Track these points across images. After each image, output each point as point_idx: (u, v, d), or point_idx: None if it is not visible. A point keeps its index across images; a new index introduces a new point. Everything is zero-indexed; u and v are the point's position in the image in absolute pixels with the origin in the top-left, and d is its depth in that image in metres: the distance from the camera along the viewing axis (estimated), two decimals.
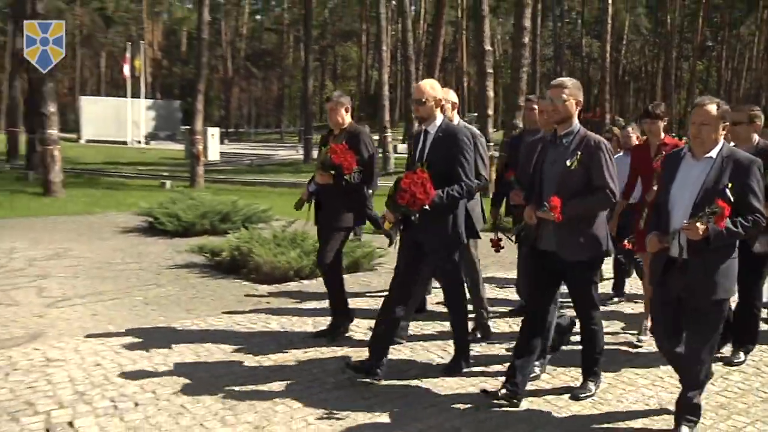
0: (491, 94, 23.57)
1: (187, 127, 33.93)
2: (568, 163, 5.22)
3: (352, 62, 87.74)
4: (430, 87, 5.97)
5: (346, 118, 6.99)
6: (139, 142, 53.13)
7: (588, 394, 5.59)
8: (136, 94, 53.12)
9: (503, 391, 5.32)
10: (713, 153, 4.63)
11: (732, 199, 4.41)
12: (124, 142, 51.89)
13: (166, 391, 5.65)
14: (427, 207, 5.63)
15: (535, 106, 7.05)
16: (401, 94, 55.06)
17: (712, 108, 4.60)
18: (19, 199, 19.57)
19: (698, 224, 4.33)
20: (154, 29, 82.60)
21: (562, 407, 5.47)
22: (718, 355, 6.23)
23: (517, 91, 21.65)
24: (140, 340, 6.94)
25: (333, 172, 6.73)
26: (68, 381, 5.81)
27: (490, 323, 7.39)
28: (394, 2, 54.16)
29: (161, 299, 8.62)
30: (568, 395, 5.63)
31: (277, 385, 5.79)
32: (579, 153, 5.20)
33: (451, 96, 6.87)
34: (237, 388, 5.72)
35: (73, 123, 61.71)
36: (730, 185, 4.48)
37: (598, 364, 5.66)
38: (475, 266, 7.20)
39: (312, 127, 40.14)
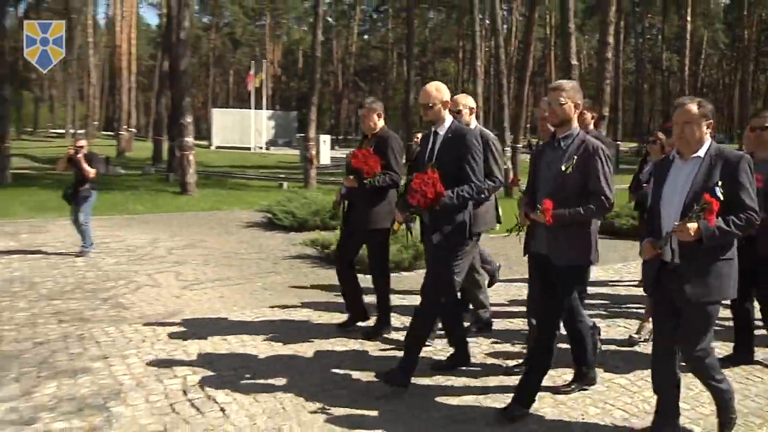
0: None
1: (302, 134, 34.49)
2: (563, 167, 4.66)
3: (449, 76, 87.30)
4: (436, 90, 5.49)
5: (378, 123, 6.58)
6: (261, 148, 54.20)
7: (570, 389, 5.24)
8: (258, 106, 54.28)
9: (512, 410, 4.79)
10: (701, 152, 4.16)
11: (722, 198, 3.91)
12: (248, 148, 53.00)
13: (280, 360, 5.94)
14: (437, 207, 5.26)
15: (585, 112, 6.50)
16: (494, 105, 54.56)
17: (693, 107, 4.12)
18: (162, 197, 20.41)
19: (689, 224, 3.90)
20: (274, 49, 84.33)
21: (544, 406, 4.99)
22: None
23: (600, 102, 21.32)
24: (259, 320, 7.28)
25: (353, 176, 6.44)
26: (199, 352, 6.17)
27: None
28: (488, 21, 53.74)
29: (278, 285, 8.92)
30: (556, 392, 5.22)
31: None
32: (575, 157, 4.64)
33: (469, 101, 6.42)
34: (338, 369, 5.96)
35: (205, 132, 63.56)
36: (720, 183, 4.01)
37: (588, 361, 5.23)
38: (476, 264, 6.61)
39: (413, 135, 40.17)
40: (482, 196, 5.68)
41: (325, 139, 42.15)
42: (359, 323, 6.94)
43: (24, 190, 20.86)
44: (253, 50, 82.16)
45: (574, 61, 22.56)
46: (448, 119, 5.54)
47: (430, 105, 5.44)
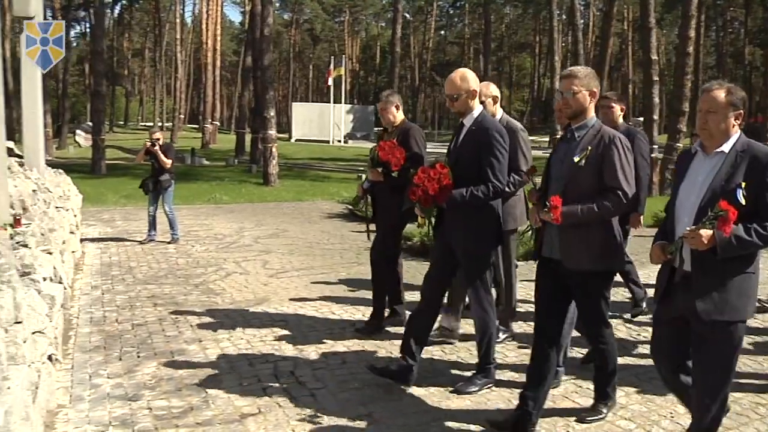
0: (657, 100, 22.58)
1: (379, 128, 34.61)
2: (575, 159, 4.12)
3: (525, 71, 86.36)
4: (461, 79, 4.91)
5: (398, 116, 6.26)
6: (339, 141, 54.57)
7: (598, 417, 4.48)
8: (337, 100, 54.61)
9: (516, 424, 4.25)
10: (725, 147, 3.52)
11: (744, 202, 3.35)
12: (327, 141, 53.38)
13: (367, 348, 5.95)
14: (443, 205, 4.82)
15: (614, 105, 6.35)
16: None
17: (719, 93, 3.49)
18: (245, 188, 20.80)
19: (701, 231, 3.32)
20: (353, 45, 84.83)
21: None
22: None
23: (680, 97, 20.73)
24: (344, 308, 7.33)
25: (380, 168, 6.05)
26: (288, 338, 6.24)
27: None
28: (564, 17, 52.87)
29: (361, 275, 8.96)
30: (575, 419, 4.51)
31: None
32: (589, 148, 4.09)
33: (492, 90, 5.92)
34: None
35: (285, 125, 64.31)
36: (744, 184, 3.39)
37: (610, 384, 4.50)
38: (510, 266, 6.14)
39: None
40: (505, 192, 5.03)
41: None
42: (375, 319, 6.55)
43: (117, 180, 21.56)
44: (332, 46, 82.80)
45: (654, 56, 22.00)
46: (477, 109, 4.98)
47: (455, 96, 4.91)
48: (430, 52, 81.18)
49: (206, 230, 12.66)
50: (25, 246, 5.57)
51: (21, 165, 9.10)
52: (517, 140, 5.66)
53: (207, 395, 4.88)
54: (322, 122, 55.62)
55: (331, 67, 53.49)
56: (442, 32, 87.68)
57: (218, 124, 57.46)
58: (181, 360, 5.61)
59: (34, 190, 8.15)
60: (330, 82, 53.57)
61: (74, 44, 60.96)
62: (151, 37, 69.66)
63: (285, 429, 4.36)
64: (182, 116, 60.23)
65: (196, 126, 59.50)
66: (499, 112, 5.95)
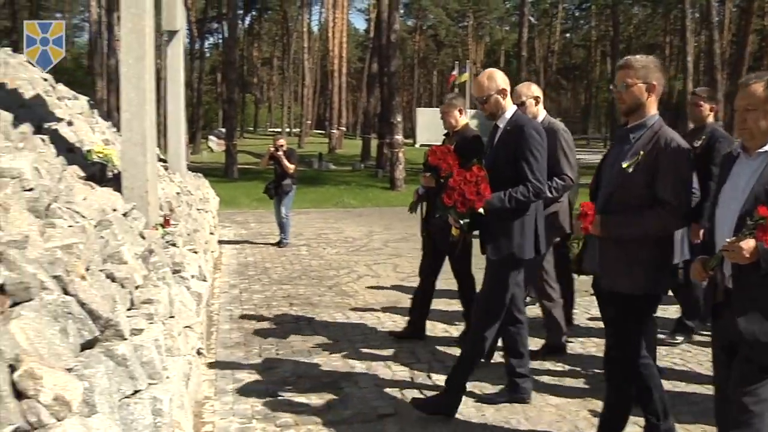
0: None
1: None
2: (624, 164, 3.60)
3: None
4: (488, 79, 4.56)
5: (460, 120, 5.91)
6: None
7: None
8: None
9: None
10: None
11: None
12: None
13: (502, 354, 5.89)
14: (480, 210, 4.36)
15: (702, 103, 5.87)
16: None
17: (758, 88, 3.00)
18: (372, 192, 21.07)
19: (742, 243, 2.85)
20: (477, 49, 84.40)
21: None
22: None
23: None
24: None
25: (429, 173, 5.73)
26: (422, 342, 6.24)
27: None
28: (698, 15, 50.75)
29: None
30: None
31: None
32: (641, 153, 3.55)
33: (534, 90, 5.61)
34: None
35: (409, 130, 64.73)
36: None
37: (657, 412, 3.93)
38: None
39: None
40: (542, 197, 4.56)
41: None
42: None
43: (249, 184, 22.29)
44: (456, 51, 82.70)
45: None
46: (510, 110, 4.59)
47: (485, 98, 4.54)
48: (556, 56, 79.77)
49: (336, 233, 12.91)
50: (174, 245, 5.85)
51: (165, 169, 9.59)
52: (558, 141, 5.35)
53: (344, 394, 4.97)
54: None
55: (456, 71, 53.47)
56: (568, 35, 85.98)
57: (344, 129, 58.51)
58: (318, 359, 5.74)
59: (177, 193, 8.56)
60: (453, 85, 53.55)
61: (207, 54, 63.70)
62: (279, 45, 71.83)
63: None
64: (309, 122, 61.76)
65: (323, 131, 60.82)
66: (542, 114, 5.63)
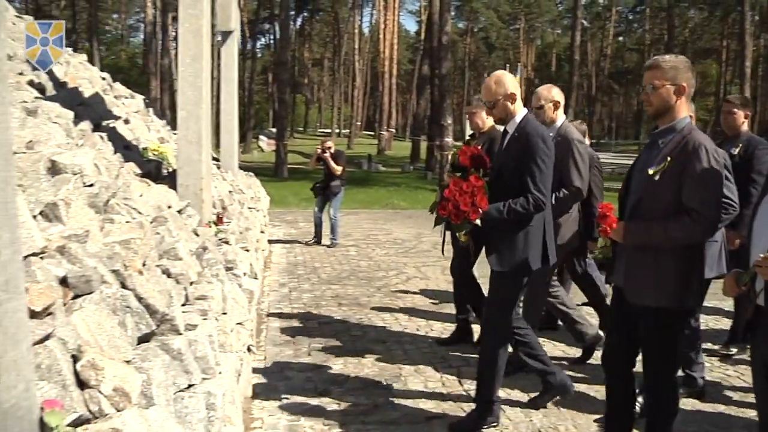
0: None
1: None
2: (650, 171, 3.41)
3: (710, 79, 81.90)
4: (496, 83, 4.38)
5: (487, 122, 5.82)
6: None
7: None
8: None
9: None
10: None
11: None
12: None
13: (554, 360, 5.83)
14: (476, 222, 4.16)
15: (736, 110, 5.61)
16: (759, 108, 50.42)
17: None
18: (421, 194, 21.05)
19: None
20: (528, 52, 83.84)
21: None
22: None
23: None
24: None
25: (459, 174, 5.77)
26: (471, 344, 6.18)
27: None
28: (757, 17, 49.61)
29: None
30: None
31: None
32: (669, 159, 3.36)
33: (555, 94, 5.36)
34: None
35: (459, 132, 64.56)
36: None
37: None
38: (563, 299, 5.68)
39: None
40: (543, 209, 4.29)
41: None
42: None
43: (298, 183, 22.44)
44: (507, 54, 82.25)
45: None
46: (520, 114, 4.40)
47: (492, 103, 4.41)
48: (608, 60, 78.76)
49: (385, 234, 12.94)
50: (227, 243, 5.92)
51: (218, 167, 9.71)
52: (571, 151, 5.13)
53: (392, 395, 4.97)
54: (497, 129, 55.37)
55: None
56: (621, 38, 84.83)
57: (393, 131, 58.65)
58: (366, 359, 5.75)
59: (230, 191, 8.67)
60: None
61: (259, 55, 64.40)
62: (330, 47, 72.29)
63: None
64: (359, 123, 62.05)
65: (372, 133, 61.06)
66: (561, 119, 5.39)
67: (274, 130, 37.04)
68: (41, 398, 1.88)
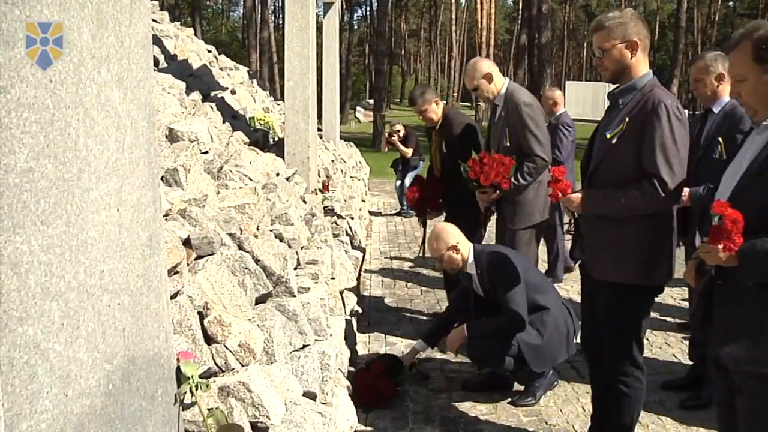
0: None
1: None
2: (608, 134, 3.12)
3: None
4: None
5: (438, 110, 5.52)
6: None
7: None
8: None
9: None
10: None
11: None
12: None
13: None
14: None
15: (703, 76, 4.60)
16: None
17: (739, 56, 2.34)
18: None
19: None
20: None
21: None
22: None
23: None
24: None
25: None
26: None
27: None
28: None
29: None
30: None
31: None
32: (627, 119, 3.05)
33: (485, 67, 4.78)
34: None
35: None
36: None
37: None
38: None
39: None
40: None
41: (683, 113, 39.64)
42: None
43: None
44: None
45: None
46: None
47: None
48: (716, 27, 75.37)
49: None
50: (332, 210, 6.03)
51: (320, 137, 9.86)
52: (520, 117, 4.63)
53: None
54: (596, 101, 53.96)
55: None
56: (731, 3, 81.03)
57: None
58: None
59: (332, 161, 8.79)
60: None
61: (355, 27, 64.61)
62: (426, 17, 71.83)
63: None
64: (456, 94, 61.60)
65: (469, 104, 60.53)
66: (503, 85, 4.81)
67: (371, 101, 37.18)
68: (176, 350, 1.98)
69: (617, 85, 3.19)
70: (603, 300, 3.24)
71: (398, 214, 11.72)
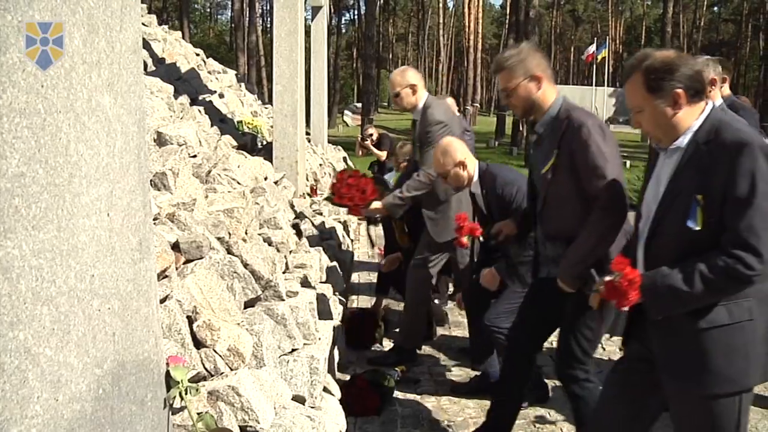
0: None
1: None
2: (543, 170, 3.10)
3: None
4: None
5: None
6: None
7: None
8: (598, 83, 53.04)
9: None
10: (683, 140, 2.33)
11: (699, 225, 2.20)
12: None
13: None
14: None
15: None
16: None
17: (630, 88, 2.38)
18: None
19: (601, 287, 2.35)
20: (617, 25, 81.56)
21: None
22: None
23: None
24: None
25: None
26: None
27: None
28: None
29: None
30: None
31: None
32: (555, 152, 3.03)
33: (410, 77, 4.69)
34: None
35: None
36: (701, 198, 2.20)
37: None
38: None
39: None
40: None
41: None
42: None
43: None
44: (594, 27, 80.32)
45: None
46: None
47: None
48: (702, 32, 75.91)
49: None
50: (320, 214, 6.04)
51: (308, 141, 9.86)
52: (427, 134, 4.61)
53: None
54: (582, 105, 54.02)
55: (593, 49, 52.00)
56: (716, 8, 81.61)
57: (478, 106, 58.19)
58: (456, 332, 5.78)
59: (320, 164, 8.80)
60: (593, 62, 52.15)
61: (343, 30, 64.70)
62: (414, 21, 72.02)
63: None
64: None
65: (457, 108, 60.74)
66: (422, 100, 4.74)
67: (359, 105, 37.26)
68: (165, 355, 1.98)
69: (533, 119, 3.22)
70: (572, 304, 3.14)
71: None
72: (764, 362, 2.27)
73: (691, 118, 2.29)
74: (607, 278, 2.30)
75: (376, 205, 4.69)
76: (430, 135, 4.57)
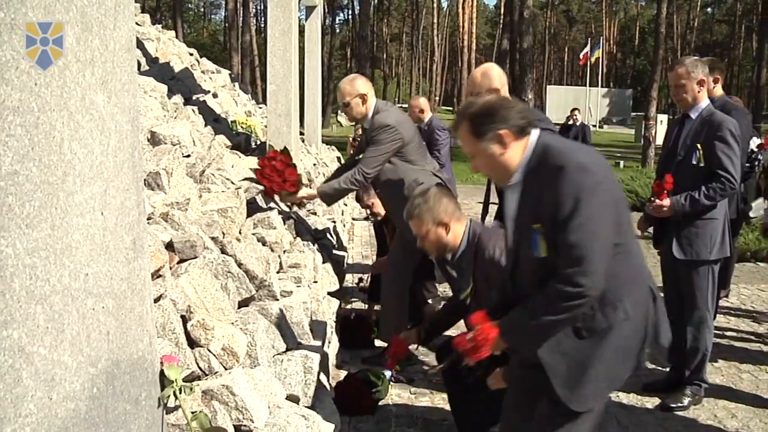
0: None
1: (637, 113, 33.07)
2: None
3: None
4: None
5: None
6: (594, 125, 53.05)
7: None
8: (592, 83, 53.13)
9: None
10: (518, 175, 2.43)
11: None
12: None
13: None
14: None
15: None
16: None
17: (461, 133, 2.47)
18: None
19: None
20: (611, 26, 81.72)
21: None
22: None
23: None
24: None
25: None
26: None
27: None
28: None
29: None
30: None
31: None
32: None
33: (359, 86, 4.66)
34: None
35: (539, 108, 63.69)
36: (536, 226, 2.29)
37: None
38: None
39: (761, 115, 36.70)
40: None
41: (662, 119, 40.04)
42: None
43: None
44: (588, 27, 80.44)
45: None
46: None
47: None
48: (695, 32, 76.09)
49: (467, 210, 12.88)
50: (315, 214, 6.03)
51: (302, 141, 9.85)
52: (377, 138, 4.59)
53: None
54: (576, 106, 54.37)
55: (587, 50, 52.08)
56: (709, 9, 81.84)
57: None
58: (451, 331, 5.77)
59: (314, 164, 8.79)
60: (583, 62, 52.22)
61: (338, 30, 64.68)
62: (408, 21, 72.03)
63: None
64: (437, 98, 61.80)
65: (451, 108, 60.79)
66: (371, 109, 4.72)
67: None
68: (159, 354, 1.98)
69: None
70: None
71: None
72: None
73: (521, 152, 2.38)
74: (469, 335, 2.36)
75: (310, 192, 4.70)
76: (375, 137, 4.57)
